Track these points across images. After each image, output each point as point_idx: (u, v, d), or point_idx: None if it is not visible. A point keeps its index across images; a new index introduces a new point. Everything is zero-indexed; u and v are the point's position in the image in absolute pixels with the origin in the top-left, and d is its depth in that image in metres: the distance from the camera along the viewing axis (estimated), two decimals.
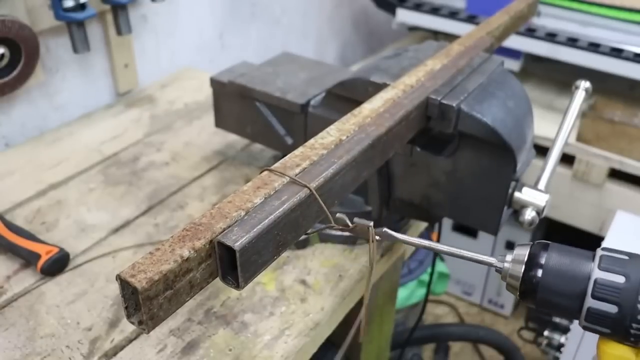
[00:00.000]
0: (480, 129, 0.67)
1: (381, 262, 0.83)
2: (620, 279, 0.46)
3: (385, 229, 0.55)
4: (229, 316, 0.72)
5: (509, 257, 0.52)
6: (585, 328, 0.48)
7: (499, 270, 0.52)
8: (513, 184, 0.71)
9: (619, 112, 1.37)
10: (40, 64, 1.05)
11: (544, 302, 0.49)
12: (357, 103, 0.63)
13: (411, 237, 0.55)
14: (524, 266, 0.50)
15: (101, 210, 0.89)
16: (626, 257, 0.48)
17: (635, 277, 0.46)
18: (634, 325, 0.45)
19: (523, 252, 0.51)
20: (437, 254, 1.10)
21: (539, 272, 0.49)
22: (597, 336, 0.50)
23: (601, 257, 0.48)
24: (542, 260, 0.49)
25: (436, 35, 1.71)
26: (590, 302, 0.47)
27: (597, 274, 0.47)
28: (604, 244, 1.22)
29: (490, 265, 0.53)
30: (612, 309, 0.46)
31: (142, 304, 0.39)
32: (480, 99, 0.68)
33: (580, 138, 1.39)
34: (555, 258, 0.49)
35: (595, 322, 0.47)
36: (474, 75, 0.73)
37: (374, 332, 1.00)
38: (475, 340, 1.60)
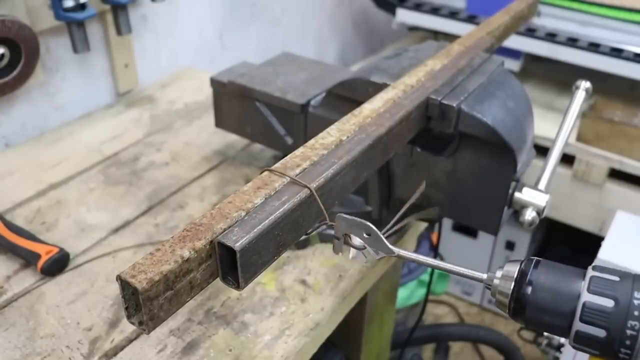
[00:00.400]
0: (480, 129, 0.67)
1: (381, 262, 0.83)
2: (609, 303, 0.45)
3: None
4: (229, 316, 0.72)
5: (498, 274, 0.51)
6: (575, 348, 0.48)
7: (488, 287, 0.52)
8: (513, 184, 0.71)
9: (619, 112, 1.37)
10: (40, 64, 1.05)
11: (534, 321, 0.49)
12: (358, 103, 0.63)
13: (405, 251, 0.54)
14: (513, 283, 0.49)
15: (101, 210, 0.89)
16: (617, 279, 0.47)
17: (624, 301, 0.45)
18: (622, 350, 0.45)
19: (513, 269, 0.50)
20: (438, 254, 1.10)
21: (529, 290, 0.48)
22: None
23: (591, 278, 0.47)
24: (532, 278, 0.49)
25: (436, 35, 1.71)
26: (578, 326, 0.46)
27: (586, 297, 0.46)
28: (604, 244, 1.22)
29: (480, 281, 0.52)
30: (600, 333, 0.45)
31: (143, 305, 0.39)
32: (480, 99, 0.68)
33: (580, 138, 1.39)
34: (545, 276, 0.48)
35: (584, 344, 0.47)
36: (474, 76, 0.73)
37: (374, 332, 1.00)
38: (475, 340, 1.60)
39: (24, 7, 0.97)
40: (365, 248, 0.52)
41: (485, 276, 0.52)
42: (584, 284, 0.47)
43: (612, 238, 1.24)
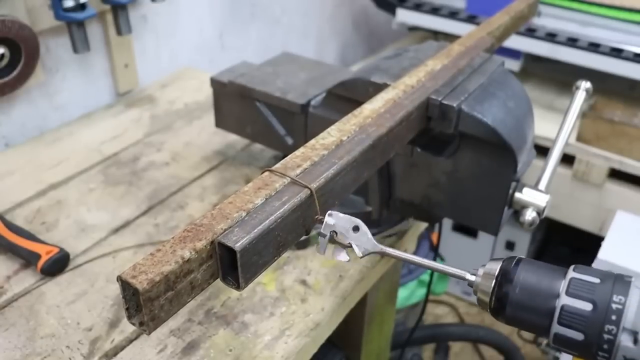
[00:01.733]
0: (480, 129, 0.67)
1: (381, 263, 0.83)
2: (587, 307, 0.45)
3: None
4: (229, 316, 0.72)
5: (480, 271, 0.51)
6: (554, 348, 0.48)
7: (470, 284, 0.51)
8: (513, 184, 0.71)
9: (619, 112, 1.37)
10: (40, 64, 1.05)
11: (514, 319, 0.48)
12: (358, 103, 0.63)
13: (388, 248, 0.53)
14: (494, 281, 0.49)
15: (101, 210, 0.89)
16: (597, 281, 0.46)
17: (602, 305, 0.45)
18: (600, 353, 0.45)
19: (494, 267, 0.50)
20: (437, 254, 1.10)
21: (509, 288, 0.48)
22: None
23: (570, 280, 0.47)
24: (513, 276, 0.48)
25: (436, 35, 1.71)
26: (556, 328, 0.46)
27: (564, 300, 0.46)
28: (604, 245, 1.22)
29: (462, 278, 0.51)
30: (578, 336, 0.45)
31: (143, 305, 0.39)
32: (480, 99, 0.68)
33: (580, 138, 1.39)
34: (526, 275, 0.48)
35: (563, 345, 0.46)
36: (475, 76, 0.73)
37: (374, 332, 1.00)
38: (475, 340, 1.60)
39: (24, 7, 0.97)
40: (350, 246, 0.51)
41: (467, 275, 0.51)
42: (563, 286, 0.46)
43: (612, 238, 1.24)
